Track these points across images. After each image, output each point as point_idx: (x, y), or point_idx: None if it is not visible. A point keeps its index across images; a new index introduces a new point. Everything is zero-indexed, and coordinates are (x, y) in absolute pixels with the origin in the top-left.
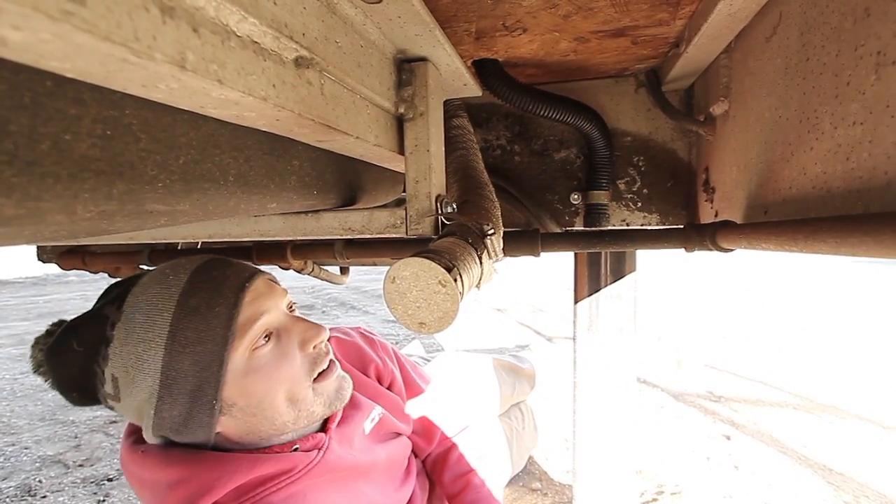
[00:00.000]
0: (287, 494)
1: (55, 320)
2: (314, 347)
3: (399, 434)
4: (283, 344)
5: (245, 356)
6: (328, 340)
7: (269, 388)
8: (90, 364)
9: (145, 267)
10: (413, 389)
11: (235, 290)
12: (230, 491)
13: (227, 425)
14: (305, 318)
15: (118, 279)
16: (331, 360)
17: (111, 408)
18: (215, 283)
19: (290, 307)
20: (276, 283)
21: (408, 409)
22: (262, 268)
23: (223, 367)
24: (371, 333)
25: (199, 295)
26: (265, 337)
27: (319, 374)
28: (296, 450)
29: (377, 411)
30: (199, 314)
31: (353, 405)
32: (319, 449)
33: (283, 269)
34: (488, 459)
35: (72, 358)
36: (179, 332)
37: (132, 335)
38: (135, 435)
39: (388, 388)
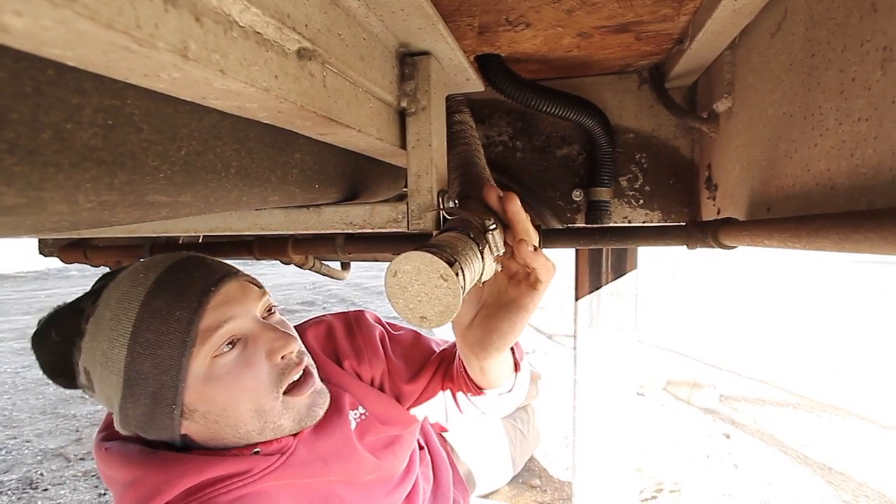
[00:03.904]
0: (237, 496)
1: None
2: (283, 357)
3: (394, 439)
4: (248, 352)
5: (206, 363)
6: (307, 332)
7: (232, 398)
8: (67, 355)
9: None
10: (401, 378)
11: (199, 294)
12: (180, 493)
13: (191, 429)
14: (283, 323)
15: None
16: (306, 372)
17: (91, 395)
18: (181, 284)
19: (269, 310)
20: (254, 284)
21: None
22: (263, 262)
23: (182, 373)
24: (358, 319)
25: (162, 296)
26: (229, 344)
27: (292, 386)
28: (256, 453)
29: (354, 414)
30: (161, 317)
31: (333, 406)
32: (283, 453)
33: (284, 263)
34: (490, 460)
35: (52, 347)
36: (141, 334)
37: (100, 332)
38: (106, 431)
39: (371, 383)
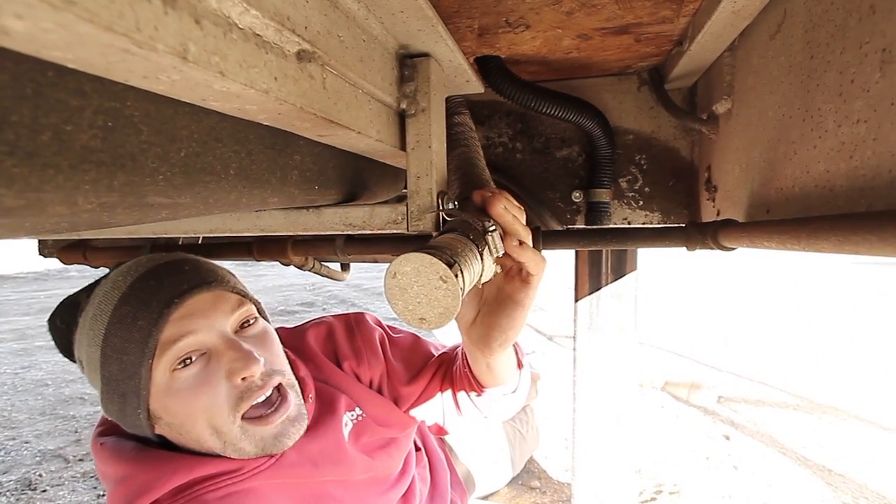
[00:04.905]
0: (225, 493)
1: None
2: (243, 379)
3: (390, 440)
4: (210, 369)
5: (166, 375)
6: (308, 332)
7: (189, 414)
8: (70, 342)
9: None
10: (401, 380)
11: (161, 305)
12: (169, 490)
13: (164, 432)
14: (260, 337)
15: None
16: (282, 398)
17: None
18: (148, 293)
19: (246, 322)
20: (238, 294)
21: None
22: (264, 263)
23: (143, 381)
24: (358, 321)
25: (130, 303)
26: (190, 358)
27: (260, 414)
28: None
29: (351, 416)
30: (126, 324)
31: (328, 408)
32: (273, 455)
33: (283, 264)
34: (489, 461)
35: (60, 332)
36: (110, 338)
37: (84, 329)
38: (103, 426)
39: (370, 385)
